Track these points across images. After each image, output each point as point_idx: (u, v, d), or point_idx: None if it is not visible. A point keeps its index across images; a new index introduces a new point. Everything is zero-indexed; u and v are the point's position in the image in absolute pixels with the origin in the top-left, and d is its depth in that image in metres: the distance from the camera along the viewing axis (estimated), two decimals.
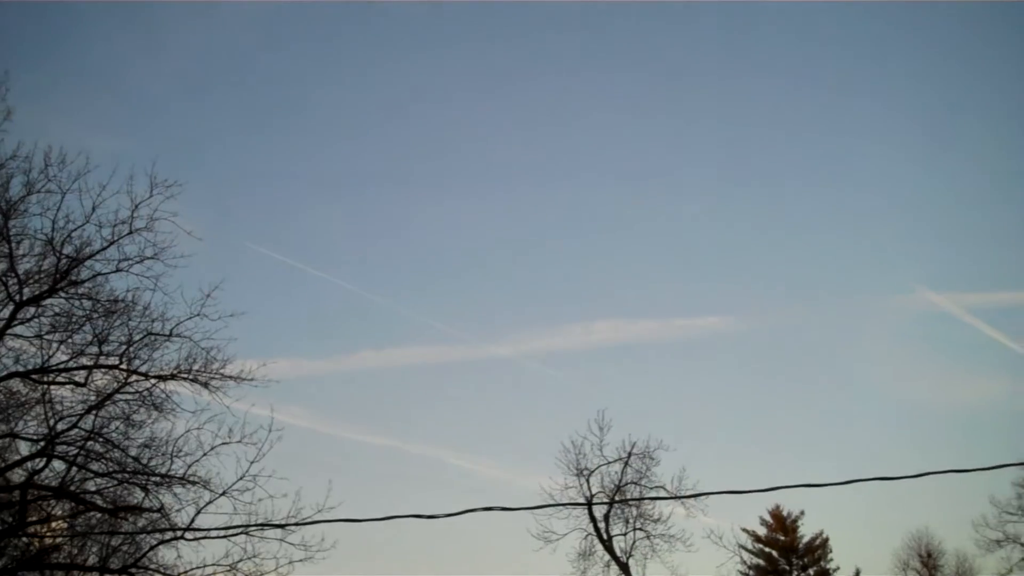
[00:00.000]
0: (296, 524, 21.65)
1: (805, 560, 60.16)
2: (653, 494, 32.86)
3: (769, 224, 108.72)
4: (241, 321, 25.26)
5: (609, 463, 32.43)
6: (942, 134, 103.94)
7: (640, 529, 32.83)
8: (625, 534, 32.85)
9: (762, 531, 60.57)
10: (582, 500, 32.17)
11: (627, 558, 32.48)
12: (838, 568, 60.03)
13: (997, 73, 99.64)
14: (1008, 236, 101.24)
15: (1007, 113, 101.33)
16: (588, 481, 32.36)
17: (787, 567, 59.89)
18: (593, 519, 32.29)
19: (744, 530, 59.15)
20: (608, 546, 32.34)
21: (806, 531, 60.72)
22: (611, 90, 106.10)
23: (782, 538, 60.25)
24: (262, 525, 22.54)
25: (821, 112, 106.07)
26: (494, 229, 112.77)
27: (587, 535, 32.70)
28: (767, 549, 60.16)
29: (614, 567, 32.52)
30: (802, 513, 60.62)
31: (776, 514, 60.66)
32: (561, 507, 31.98)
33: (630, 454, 32.31)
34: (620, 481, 32.32)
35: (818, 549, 60.27)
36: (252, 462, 23.42)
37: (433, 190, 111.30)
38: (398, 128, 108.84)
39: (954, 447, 78.49)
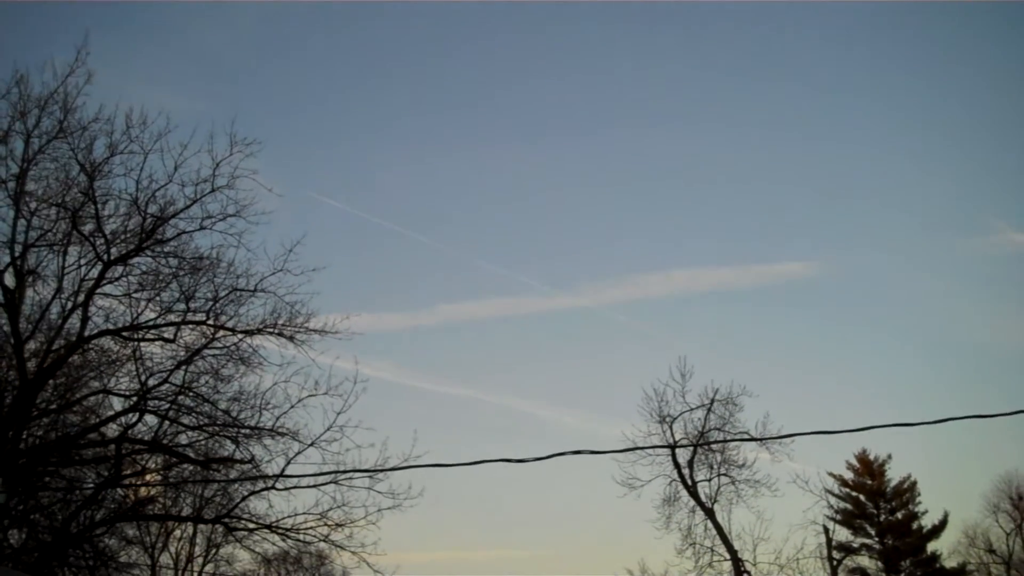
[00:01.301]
0: (384, 470, 21.93)
1: (893, 504, 59.61)
2: (737, 439, 32.75)
3: (844, 168, 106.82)
4: (323, 276, 25.58)
5: (692, 409, 32.26)
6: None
7: (725, 475, 32.69)
8: (709, 480, 32.74)
9: (849, 475, 60.10)
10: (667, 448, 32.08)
11: (712, 503, 32.39)
12: (926, 511, 59.43)
13: None
14: None
15: None
16: (671, 428, 32.26)
17: (875, 511, 59.39)
18: (677, 465, 32.22)
19: (831, 474, 58.76)
20: (693, 492, 32.28)
21: (893, 475, 60.17)
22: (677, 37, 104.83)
23: (869, 482, 59.71)
24: (351, 471, 22.87)
25: (897, 52, 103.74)
26: (570, 180, 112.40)
27: (671, 481, 32.67)
28: (854, 493, 59.69)
29: (699, 512, 32.49)
30: (889, 457, 60.04)
31: (863, 458, 60.10)
32: (645, 452, 31.93)
33: (713, 400, 32.10)
34: (703, 427, 32.16)
35: (906, 493, 59.66)
36: (339, 413, 23.80)
37: (508, 142, 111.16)
38: (469, 81, 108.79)
39: None
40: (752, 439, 32.15)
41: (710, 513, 32.25)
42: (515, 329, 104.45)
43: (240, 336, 24.64)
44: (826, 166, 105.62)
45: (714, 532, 32.34)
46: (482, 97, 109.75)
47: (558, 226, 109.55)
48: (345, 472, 23.02)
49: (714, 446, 32.42)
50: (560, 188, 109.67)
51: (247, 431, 24.49)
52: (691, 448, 32.25)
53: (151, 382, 24.15)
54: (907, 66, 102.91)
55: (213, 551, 50.85)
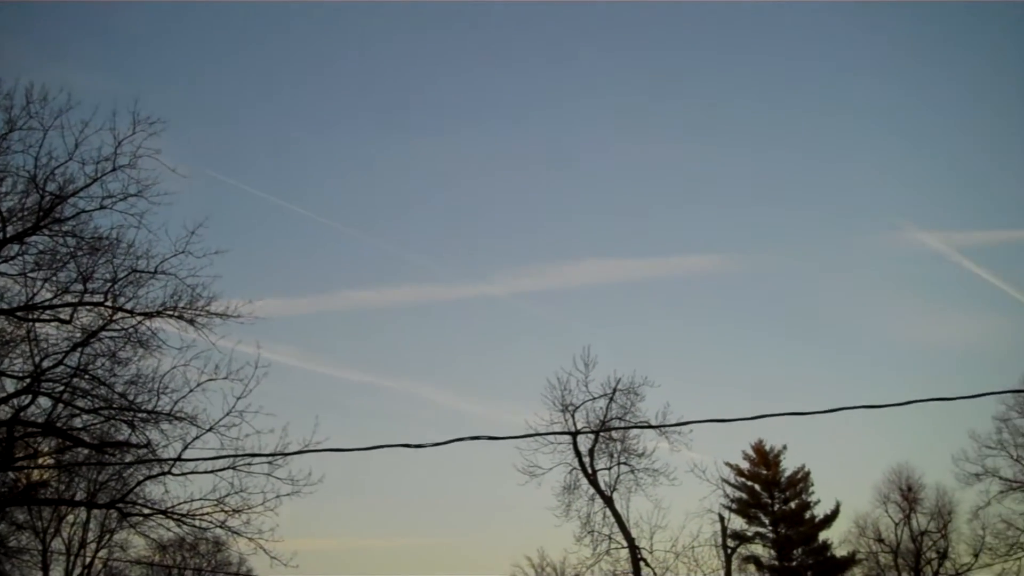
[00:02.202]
0: (283, 455, 21.81)
1: (787, 493, 60.87)
2: (636, 427, 33.15)
3: (756, 163, 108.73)
4: (226, 259, 25.24)
5: (594, 399, 32.58)
6: (934, 70, 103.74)
7: (624, 463, 33.09)
8: (609, 468, 33.12)
9: (745, 465, 61.20)
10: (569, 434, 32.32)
11: (611, 492, 32.78)
12: (819, 501, 60.80)
13: (993, 7, 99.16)
14: (999, 174, 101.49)
15: (1002, 46, 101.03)
16: (573, 416, 32.53)
17: (769, 500, 60.60)
18: (578, 453, 32.53)
19: (727, 464, 59.80)
20: (592, 479, 32.61)
21: (788, 465, 61.43)
22: (596, 26, 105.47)
23: (764, 472, 60.88)
24: (249, 455, 22.64)
25: (809, 49, 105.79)
26: (484, 169, 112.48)
27: (572, 469, 32.97)
28: (749, 483, 60.81)
29: (598, 500, 32.85)
30: (784, 447, 61.29)
31: (759, 448, 61.26)
32: (546, 441, 32.17)
33: (615, 390, 32.45)
34: (605, 416, 32.49)
35: (799, 483, 60.95)
36: (239, 398, 23.53)
37: (423, 129, 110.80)
38: (385, 65, 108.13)
39: (939, 385, 79.31)
40: (650, 426, 32.64)
41: (609, 501, 32.62)
42: (423, 316, 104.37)
43: (139, 318, 24.22)
44: (733, 164, 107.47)
45: (612, 520, 32.77)
46: (399, 85, 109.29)
47: (471, 215, 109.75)
48: (243, 457, 22.82)
49: (614, 435, 32.81)
50: (474, 178, 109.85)
51: (144, 415, 24.12)
52: (592, 437, 32.58)
53: (45, 364, 23.64)
54: (814, 65, 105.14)
55: (107, 537, 49.99)
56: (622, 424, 32.38)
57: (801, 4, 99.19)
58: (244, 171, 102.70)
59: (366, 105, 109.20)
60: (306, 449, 20.81)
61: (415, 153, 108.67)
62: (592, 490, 32.80)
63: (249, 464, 23.48)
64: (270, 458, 22.82)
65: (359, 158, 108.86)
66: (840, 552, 60.06)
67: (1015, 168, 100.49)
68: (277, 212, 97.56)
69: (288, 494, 24.06)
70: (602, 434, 32.57)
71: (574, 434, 32.10)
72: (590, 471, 32.60)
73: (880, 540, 61.72)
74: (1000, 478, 50.14)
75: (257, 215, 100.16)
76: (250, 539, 24.29)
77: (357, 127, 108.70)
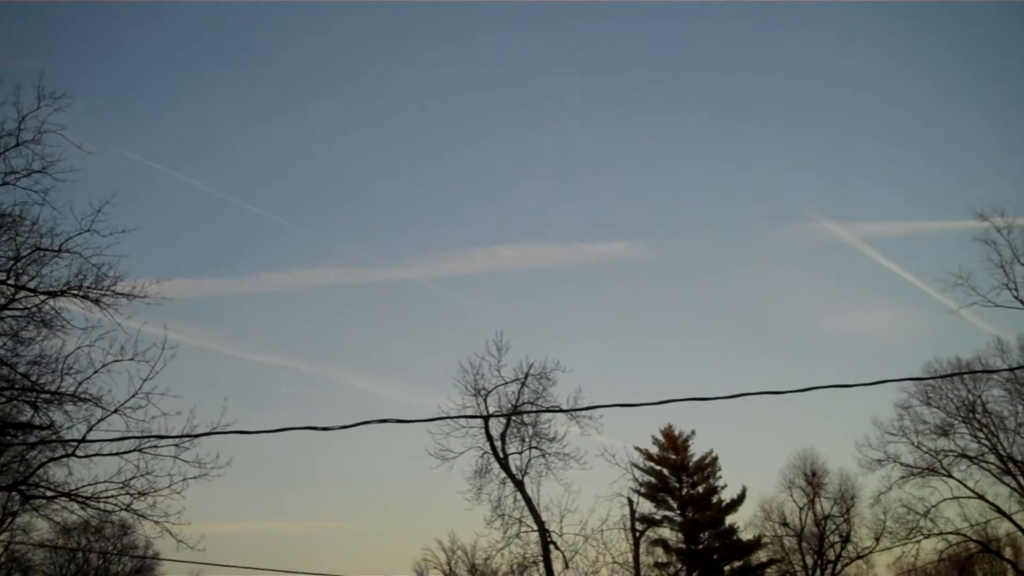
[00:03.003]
0: (191, 437, 21.51)
1: (695, 478, 61.68)
2: (549, 414, 33.33)
3: (671, 152, 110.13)
4: (134, 238, 24.86)
5: (506, 383, 32.68)
6: (838, 63, 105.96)
7: (535, 448, 33.27)
8: (521, 452, 33.28)
9: (654, 450, 61.85)
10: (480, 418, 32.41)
11: (522, 476, 32.96)
12: (726, 486, 61.73)
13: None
14: (904, 168, 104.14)
15: (904, 41, 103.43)
16: (486, 401, 32.60)
17: (677, 484, 61.37)
18: (490, 437, 32.62)
19: (637, 449, 60.37)
20: (504, 464, 32.75)
21: (696, 450, 62.22)
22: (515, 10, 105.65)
23: (673, 457, 61.60)
24: (155, 436, 22.33)
25: (721, 39, 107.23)
26: (402, 153, 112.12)
27: (483, 453, 33.06)
28: (658, 467, 61.49)
29: (509, 484, 33.01)
30: (693, 433, 62.08)
31: (668, 433, 61.95)
32: (458, 425, 32.23)
33: (527, 375, 32.60)
34: (517, 401, 32.62)
35: (707, 467, 61.78)
36: (145, 380, 23.17)
37: (344, 110, 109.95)
38: (307, 42, 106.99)
39: (844, 372, 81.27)
40: (561, 410, 32.84)
41: (520, 485, 32.80)
42: (338, 300, 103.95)
43: (42, 297, 23.73)
44: (654, 153, 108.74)
45: (523, 504, 32.95)
46: (328, 71, 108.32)
47: (388, 201, 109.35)
48: (150, 439, 22.51)
49: (526, 419, 32.97)
50: (394, 162, 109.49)
51: (47, 396, 23.69)
52: (504, 421, 32.70)
53: None
54: (725, 63, 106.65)
55: (9, 520, 48.82)
56: (534, 408, 32.55)
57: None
58: (153, 148, 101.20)
59: (285, 84, 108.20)
60: (213, 431, 20.51)
61: (333, 136, 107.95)
62: (503, 474, 32.95)
63: (155, 446, 23.21)
64: (177, 440, 22.56)
65: (274, 138, 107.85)
66: (746, 536, 61.18)
67: (921, 162, 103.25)
68: (188, 191, 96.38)
69: (195, 477, 23.82)
70: (514, 418, 32.71)
71: (485, 417, 32.20)
72: (501, 455, 32.74)
73: (785, 524, 63.03)
74: (901, 464, 51.37)
75: (167, 194, 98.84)
76: (156, 522, 24.03)
77: (274, 106, 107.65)
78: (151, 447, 23.17)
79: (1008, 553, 57.93)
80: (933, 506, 50.69)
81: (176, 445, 23.04)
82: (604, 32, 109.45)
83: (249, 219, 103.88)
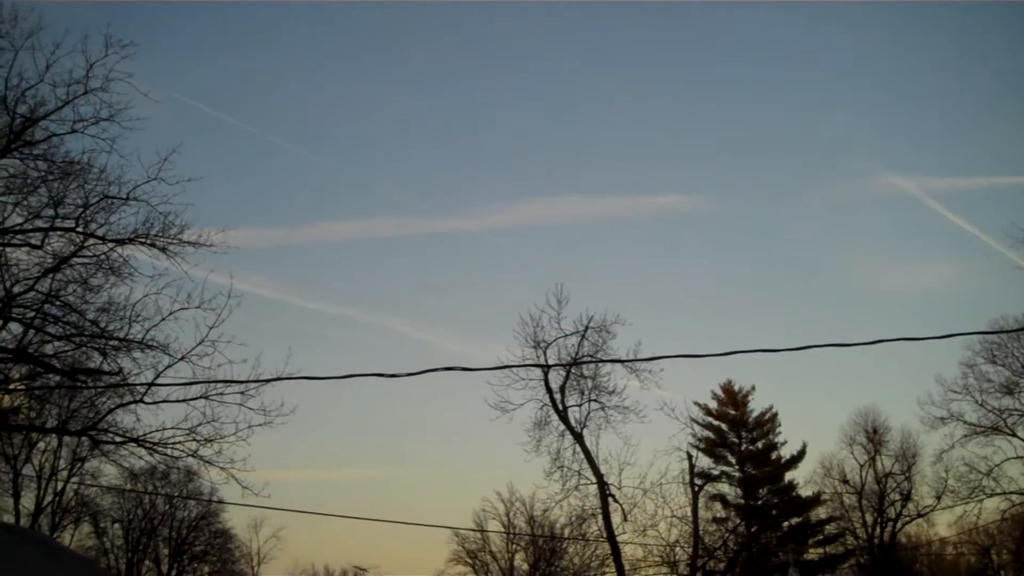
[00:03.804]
0: (256, 382, 21.66)
1: (754, 434, 61.52)
2: (608, 367, 33.25)
3: (734, 105, 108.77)
4: (199, 187, 25.10)
5: (566, 336, 32.53)
6: (909, 18, 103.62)
7: (595, 401, 33.16)
8: (580, 405, 33.18)
9: (713, 405, 61.75)
10: (539, 368, 32.39)
11: (582, 428, 32.92)
12: (785, 442, 61.56)
13: None
14: (973, 121, 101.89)
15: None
16: (545, 353, 32.48)
17: (736, 440, 61.27)
18: (549, 389, 32.60)
19: (696, 403, 60.27)
20: (563, 416, 32.74)
21: (756, 406, 62.03)
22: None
23: (732, 412, 61.45)
24: (222, 382, 22.60)
25: (781, 11, 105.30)
26: (458, 101, 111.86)
27: (543, 406, 33.02)
28: (717, 422, 61.40)
29: (568, 437, 33.00)
30: (753, 388, 61.86)
31: (727, 388, 61.77)
32: (518, 377, 32.16)
33: (587, 327, 32.43)
34: (577, 353, 32.54)
35: (767, 423, 61.58)
36: (211, 328, 23.44)
37: (396, 62, 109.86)
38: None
39: (908, 328, 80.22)
40: (621, 361, 32.66)
41: (579, 438, 32.80)
42: (398, 250, 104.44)
43: (111, 245, 24.07)
44: (712, 108, 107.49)
45: (582, 456, 32.97)
46: (384, 24, 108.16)
47: (446, 149, 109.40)
48: (216, 383, 22.79)
49: (585, 372, 32.88)
50: (447, 109, 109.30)
51: (116, 343, 24.05)
52: (563, 374, 32.67)
53: (16, 289, 23.50)
54: (790, 21, 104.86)
55: (78, 465, 50.09)
56: (593, 359, 32.46)
57: None
58: (217, 98, 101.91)
59: (346, 39, 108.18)
60: (279, 377, 20.65)
61: (396, 89, 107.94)
62: (562, 426, 32.94)
63: (221, 393, 23.48)
64: (243, 386, 22.78)
65: (337, 91, 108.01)
66: (805, 492, 61.04)
67: (989, 116, 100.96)
68: (251, 141, 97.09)
69: (261, 424, 24.09)
70: (573, 371, 32.65)
71: (546, 368, 32.15)
72: (561, 407, 32.73)
73: (845, 481, 62.68)
74: (964, 422, 50.83)
75: (231, 143, 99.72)
76: (222, 468, 24.35)
77: (337, 60, 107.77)
78: (217, 394, 23.46)
79: None
80: (996, 465, 50.22)
81: (242, 392, 23.31)
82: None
83: (310, 168, 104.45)
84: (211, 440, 24.05)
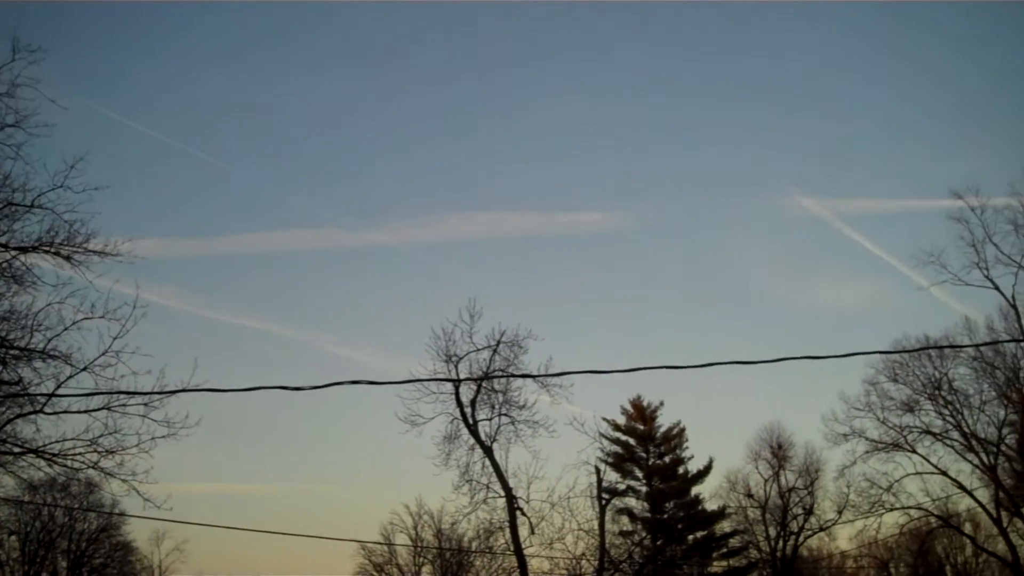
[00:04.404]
0: (160, 394, 21.37)
1: (661, 449, 62.13)
2: (519, 381, 33.40)
3: (654, 125, 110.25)
4: (107, 195, 24.67)
5: (478, 350, 32.63)
6: (822, 44, 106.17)
7: (505, 415, 33.28)
8: (490, 419, 33.26)
9: (622, 420, 62.25)
10: (449, 382, 32.40)
11: (491, 442, 33.00)
12: (692, 456, 62.29)
13: None
14: (880, 146, 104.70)
15: (883, 22, 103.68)
16: (456, 367, 32.53)
17: (644, 454, 61.82)
18: (460, 403, 32.63)
19: (605, 419, 60.57)
20: (473, 430, 32.78)
21: (664, 421, 62.69)
22: None
23: (641, 427, 62.00)
24: (125, 393, 22.24)
25: (707, 17, 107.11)
26: (379, 116, 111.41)
27: (453, 419, 33.05)
28: (625, 437, 61.89)
29: (478, 450, 33.06)
30: (661, 404, 62.51)
31: (636, 404, 62.31)
32: (429, 390, 32.14)
33: (499, 342, 32.54)
34: (488, 368, 32.63)
35: (674, 438, 62.23)
36: (115, 338, 23.10)
37: (322, 70, 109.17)
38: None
39: (814, 345, 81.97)
40: (531, 376, 32.83)
41: (488, 451, 32.87)
42: (313, 262, 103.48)
43: (13, 253, 23.55)
44: (634, 127, 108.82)
45: (491, 470, 33.05)
46: (293, 23, 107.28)
47: (367, 162, 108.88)
48: (119, 394, 22.42)
49: (496, 386, 33.00)
50: (369, 123, 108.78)
51: (16, 352, 23.55)
52: (474, 388, 32.73)
53: None
54: (726, 41, 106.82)
55: None
56: (504, 374, 32.58)
57: None
58: (128, 106, 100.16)
59: (269, 48, 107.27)
60: (183, 389, 20.45)
61: (312, 96, 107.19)
62: (472, 440, 32.99)
63: (124, 405, 23.13)
64: (146, 398, 22.46)
65: (251, 98, 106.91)
66: (710, 506, 61.86)
67: (896, 140, 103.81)
68: (162, 149, 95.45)
69: (164, 436, 23.78)
70: (484, 385, 32.73)
71: (456, 381, 32.18)
72: (471, 421, 32.77)
73: (750, 495, 63.66)
74: (866, 439, 51.92)
75: (141, 151, 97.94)
76: (123, 480, 23.99)
77: (252, 65, 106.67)
78: (120, 405, 23.11)
79: (968, 528, 58.83)
80: (896, 481, 51.39)
81: (145, 404, 22.99)
82: (593, 17, 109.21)
83: (226, 179, 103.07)
84: (113, 452, 23.72)
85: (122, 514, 53.34)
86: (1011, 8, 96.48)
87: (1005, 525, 49.36)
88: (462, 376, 32.63)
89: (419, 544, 60.73)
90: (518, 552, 32.99)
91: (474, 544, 51.54)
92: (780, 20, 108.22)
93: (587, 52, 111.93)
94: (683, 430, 62.37)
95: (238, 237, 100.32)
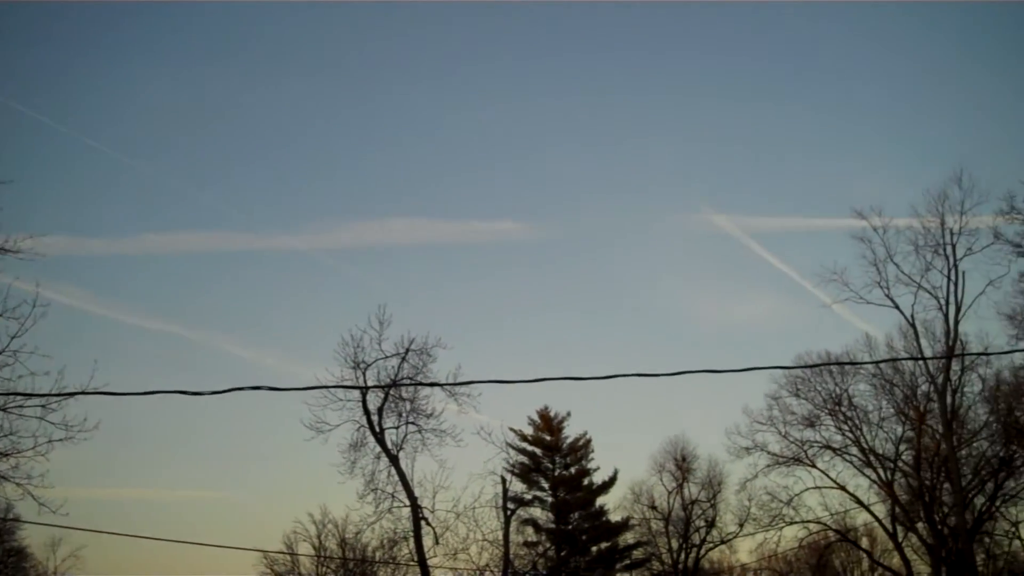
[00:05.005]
0: (56, 396, 20.85)
1: (568, 459, 62.25)
2: (427, 390, 33.29)
3: (566, 136, 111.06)
4: (11, 191, 24.01)
5: (387, 357, 32.51)
6: (733, 63, 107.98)
7: (412, 423, 33.18)
8: (397, 427, 33.15)
9: (529, 431, 62.24)
10: (356, 391, 32.17)
11: (398, 451, 32.86)
12: (598, 468, 62.47)
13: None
14: (788, 165, 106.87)
15: (789, 37, 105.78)
16: (364, 374, 32.36)
17: (550, 465, 61.89)
18: (367, 411, 32.43)
19: (512, 429, 60.58)
20: (380, 438, 32.60)
21: (571, 431, 62.81)
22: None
23: (548, 438, 62.08)
24: (20, 395, 21.63)
25: (618, 30, 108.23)
26: (295, 121, 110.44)
27: (360, 427, 32.86)
28: (532, 448, 61.90)
29: (384, 459, 32.89)
30: (568, 414, 62.62)
31: (544, 414, 62.38)
32: (336, 397, 31.95)
33: (408, 349, 32.46)
34: (396, 375, 32.50)
35: (581, 449, 62.41)
36: (13, 337, 22.50)
37: (232, 73, 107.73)
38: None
39: (720, 359, 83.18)
40: (438, 385, 32.82)
41: (394, 460, 32.71)
42: (224, 264, 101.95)
43: None
44: (551, 137, 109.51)
45: (396, 479, 32.89)
46: (228, 26, 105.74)
47: (280, 165, 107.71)
48: (15, 395, 21.81)
49: (404, 395, 32.86)
50: (284, 125, 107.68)
51: None
52: (381, 395, 32.53)
53: None
54: (640, 53, 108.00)
55: None
56: (411, 382, 32.46)
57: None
58: (36, 100, 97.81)
59: (179, 42, 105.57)
60: (82, 391, 19.92)
61: (227, 95, 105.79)
62: (379, 448, 32.82)
63: (20, 406, 22.51)
64: (43, 400, 21.86)
65: (168, 96, 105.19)
66: (615, 517, 62.08)
67: (804, 160, 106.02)
68: (72, 145, 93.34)
69: (61, 439, 23.19)
70: (392, 393, 32.56)
71: (363, 389, 31.96)
72: (378, 429, 32.59)
73: (653, 507, 64.21)
74: (768, 452, 52.79)
75: (49, 147, 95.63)
76: (18, 484, 23.33)
77: (168, 64, 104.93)
78: (16, 406, 22.49)
79: (864, 543, 60.14)
80: (796, 495, 52.32)
81: (43, 405, 22.38)
82: (510, 22, 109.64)
83: (135, 178, 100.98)
84: (7, 454, 23.08)
85: (16, 519, 51.91)
86: (903, 31, 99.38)
87: (900, 540, 50.46)
88: (370, 383, 32.44)
89: (322, 553, 60.08)
90: (422, 562, 32.86)
91: (378, 554, 51.14)
92: (693, 39, 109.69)
93: (502, 61, 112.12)
94: (589, 441, 62.66)
95: (145, 237, 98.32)
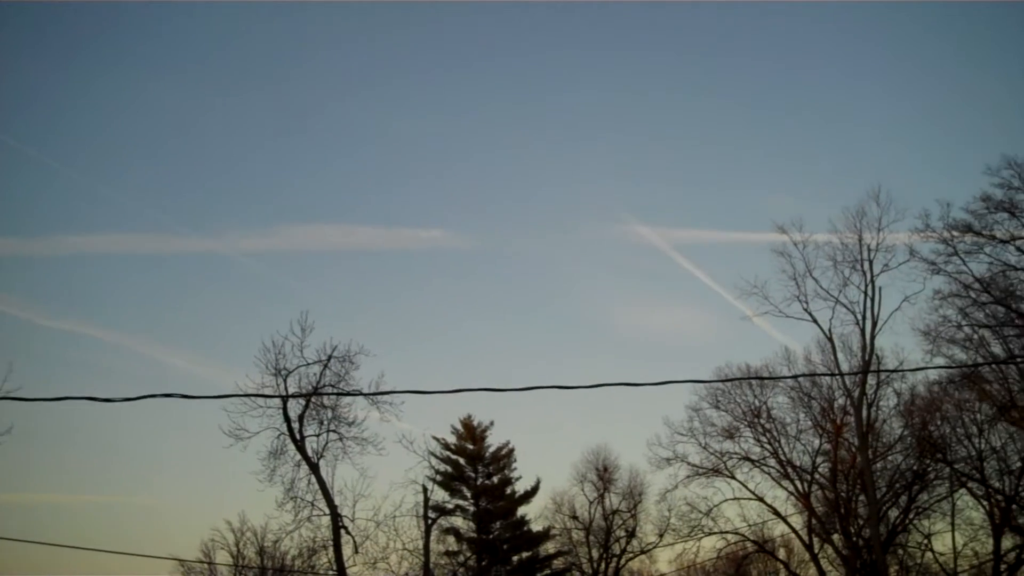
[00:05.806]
0: None
1: (491, 468, 62.33)
2: (349, 397, 33.11)
3: (503, 144, 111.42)
4: None
5: (308, 364, 32.27)
6: (664, 78, 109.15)
7: (334, 431, 32.98)
8: (318, 435, 32.92)
9: (452, 439, 62.23)
10: (277, 397, 31.89)
11: (318, 459, 32.64)
12: (520, 477, 62.62)
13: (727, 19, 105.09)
14: (713, 178, 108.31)
15: (719, 47, 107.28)
16: (285, 381, 32.09)
17: (473, 474, 61.92)
18: (287, 419, 32.15)
19: (435, 438, 60.54)
20: (300, 446, 32.36)
21: (494, 441, 62.91)
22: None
23: (471, 447, 62.10)
24: None
25: (557, 41, 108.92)
26: (220, 123, 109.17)
27: (280, 435, 32.57)
28: (455, 456, 61.88)
29: (304, 467, 32.64)
30: (491, 423, 62.72)
31: (467, 423, 62.41)
32: (256, 404, 31.60)
33: (330, 357, 32.25)
34: (318, 383, 32.27)
35: (503, 458, 62.53)
36: None
37: (152, 71, 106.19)
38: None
39: (643, 371, 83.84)
40: (360, 394, 32.58)
41: (315, 468, 32.49)
42: (143, 266, 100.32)
43: None
44: (480, 144, 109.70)
45: (316, 487, 32.66)
46: (145, 23, 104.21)
47: (203, 170, 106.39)
48: None
49: (326, 402, 32.65)
50: (210, 129, 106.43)
51: None
52: (302, 403, 32.29)
53: None
54: (573, 62, 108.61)
55: None
56: (333, 391, 32.25)
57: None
58: None
59: (97, 39, 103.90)
60: None
61: (157, 101, 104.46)
62: (299, 456, 32.56)
63: None
64: None
65: (84, 92, 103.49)
66: (536, 527, 62.25)
67: (727, 173, 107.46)
68: None
69: None
70: (313, 400, 32.33)
71: (284, 397, 31.71)
72: (298, 437, 32.34)
73: (574, 517, 64.48)
74: (688, 463, 53.27)
75: None
76: None
77: (85, 58, 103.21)
78: None
79: (782, 554, 60.88)
80: (715, 506, 52.89)
81: None
82: (453, 29, 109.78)
83: (47, 176, 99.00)
84: None
85: None
86: (826, 49, 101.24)
87: (816, 551, 51.19)
88: (291, 390, 32.19)
89: (240, 562, 59.47)
90: (341, 571, 32.66)
91: (297, 562, 50.70)
92: (622, 54, 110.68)
93: (433, 70, 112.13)
94: (512, 450, 62.80)
95: (63, 238, 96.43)
